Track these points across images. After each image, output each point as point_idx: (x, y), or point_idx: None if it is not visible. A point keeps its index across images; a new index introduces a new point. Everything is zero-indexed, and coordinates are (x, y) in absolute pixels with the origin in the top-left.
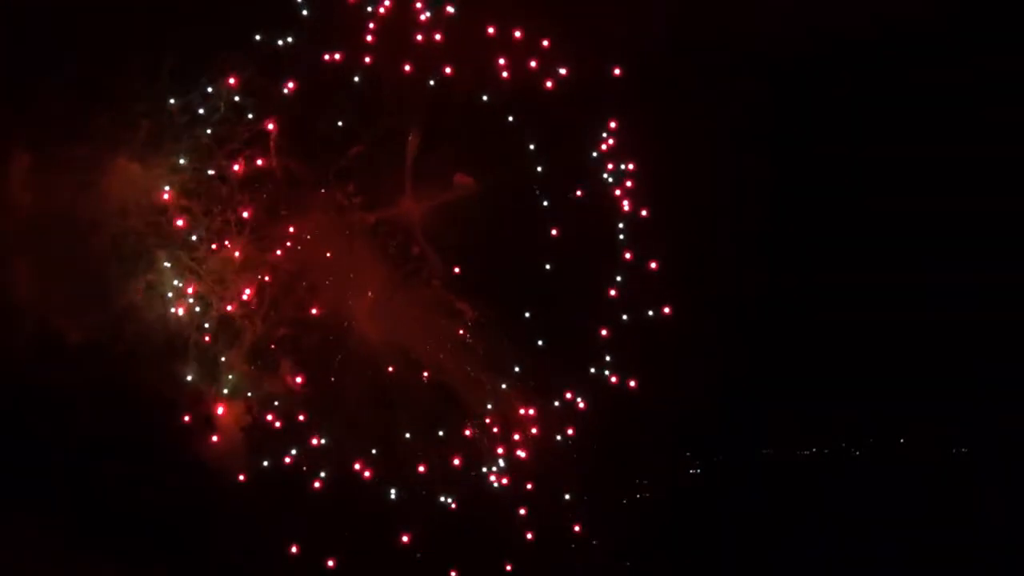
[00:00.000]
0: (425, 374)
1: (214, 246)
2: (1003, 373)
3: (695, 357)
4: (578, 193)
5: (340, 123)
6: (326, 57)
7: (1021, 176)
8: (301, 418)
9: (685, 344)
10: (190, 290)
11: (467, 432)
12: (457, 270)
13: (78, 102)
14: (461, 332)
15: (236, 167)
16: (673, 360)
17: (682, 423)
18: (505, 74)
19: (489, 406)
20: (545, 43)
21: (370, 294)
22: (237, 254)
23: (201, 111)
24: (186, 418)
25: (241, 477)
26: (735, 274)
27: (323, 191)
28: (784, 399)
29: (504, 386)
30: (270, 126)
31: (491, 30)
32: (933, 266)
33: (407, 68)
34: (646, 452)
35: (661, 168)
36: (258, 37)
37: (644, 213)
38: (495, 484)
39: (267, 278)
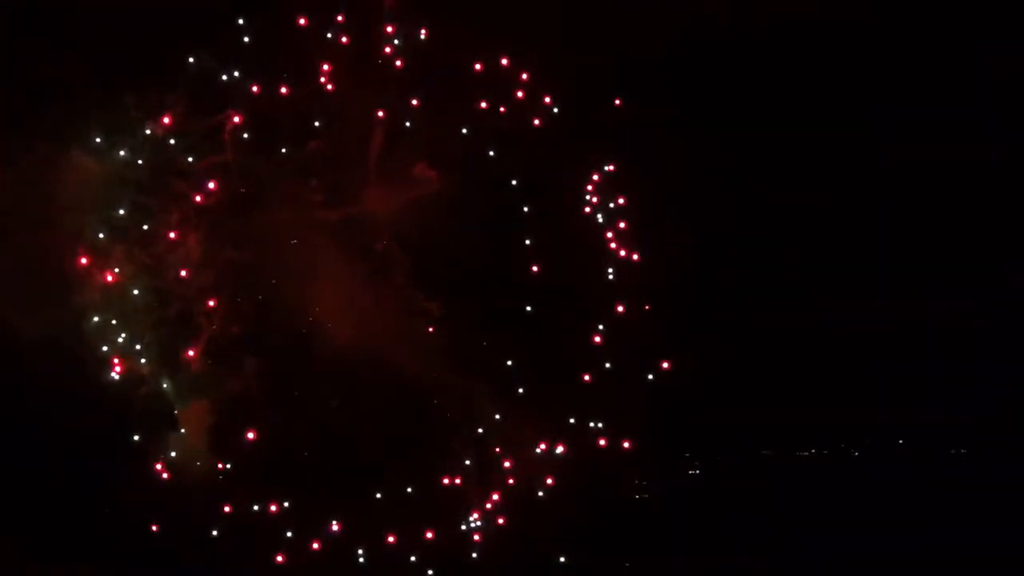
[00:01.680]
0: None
1: (172, 235)
2: (1003, 373)
3: (695, 358)
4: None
5: (303, 123)
6: (283, 91)
7: (1021, 176)
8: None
9: (685, 346)
10: (146, 286)
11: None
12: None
13: (33, 97)
14: (429, 329)
15: (194, 162)
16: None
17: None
18: (484, 104)
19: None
20: (524, 76)
21: (332, 316)
22: (194, 250)
23: (158, 106)
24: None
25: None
26: (735, 275)
27: (284, 186)
28: (784, 400)
29: (481, 431)
30: (233, 119)
31: (478, 66)
32: (932, 266)
33: (380, 114)
34: (645, 454)
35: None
36: (194, 61)
37: (635, 255)
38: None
39: (226, 275)
